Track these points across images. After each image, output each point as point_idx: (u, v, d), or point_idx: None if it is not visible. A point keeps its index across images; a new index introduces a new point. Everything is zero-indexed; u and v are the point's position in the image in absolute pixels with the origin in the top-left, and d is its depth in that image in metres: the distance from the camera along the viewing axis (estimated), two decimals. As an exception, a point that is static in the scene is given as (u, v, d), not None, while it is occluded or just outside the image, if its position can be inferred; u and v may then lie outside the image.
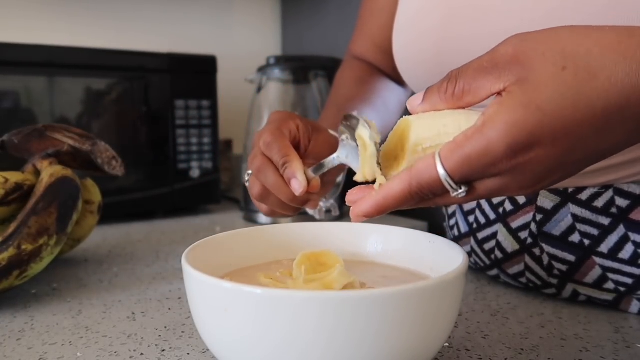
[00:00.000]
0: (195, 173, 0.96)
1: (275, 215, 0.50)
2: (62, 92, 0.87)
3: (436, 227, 0.92)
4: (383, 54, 0.70)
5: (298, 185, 0.43)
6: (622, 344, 0.42)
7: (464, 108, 0.33)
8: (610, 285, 0.48)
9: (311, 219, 0.88)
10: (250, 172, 0.49)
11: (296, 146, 0.48)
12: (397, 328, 0.29)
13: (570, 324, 0.46)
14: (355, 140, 0.38)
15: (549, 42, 0.29)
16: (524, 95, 0.28)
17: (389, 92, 0.70)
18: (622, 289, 0.47)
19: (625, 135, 0.30)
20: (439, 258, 0.39)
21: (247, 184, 0.51)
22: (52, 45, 0.85)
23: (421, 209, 0.99)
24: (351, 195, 0.36)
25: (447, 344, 0.42)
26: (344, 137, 0.39)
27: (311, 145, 0.49)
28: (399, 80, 0.71)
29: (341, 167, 0.46)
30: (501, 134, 0.28)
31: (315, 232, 0.46)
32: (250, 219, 0.92)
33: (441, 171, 0.31)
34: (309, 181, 0.43)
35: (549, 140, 0.29)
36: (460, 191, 0.31)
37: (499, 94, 0.30)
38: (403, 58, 0.59)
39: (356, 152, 0.38)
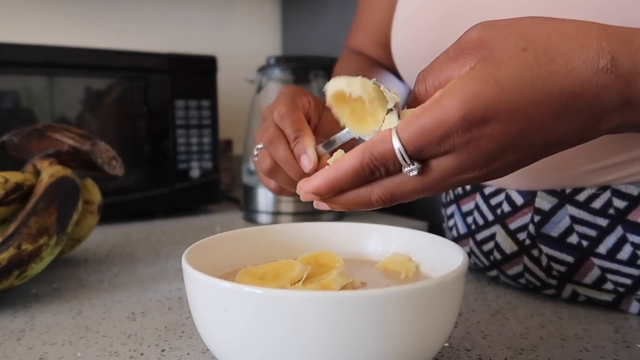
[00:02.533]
0: (195, 173, 0.96)
1: (283, 194, 0.49)
2: (62, 92, 0.87)
3: (436, 227, 0.92)
4: (383, 49, 0.69)
5: (308, 162, 0.41)
6: (622, 344, 0.42)
7: None
8: (609, 285, 0.48)
9: (311, 218, 0.88)
10: (260, 146, 0.48)
11: (307, 122, 0.47)
12: (397, 328, 0.29)
13: (570, 324, 0.46)
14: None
15: (511, 27, 0.30)
16: (484, 69, 0.29)
17: (392, 84, 0.70)
18: (621, 289, 0.47)
19: (578, 126, 0.30)
20: (439, 258, 0.39)
21: (255, 159, 0.49)
22: (52, 45, 0.85)
23: (420, 208, 0.99)
24: (302, 182, 0.35)
25: (447, 344, 0.42)
26: None
27: (321, 122, 0.48)
28: (399, 74, 0.71)
29: (353, 144, 0.46)
30: (457, 104, 0.28)
31: (315, 232, 0.46)
32: (250, 219, 0.92)
33: (396, 143, 0.30)
34: (319, 158, 0.41)
35: (505, 116, 0.28)
36: (412, 167, 0.30)
37: None
38: (401, 55, 0.59)
39: None
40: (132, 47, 1.16)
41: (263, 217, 0.90)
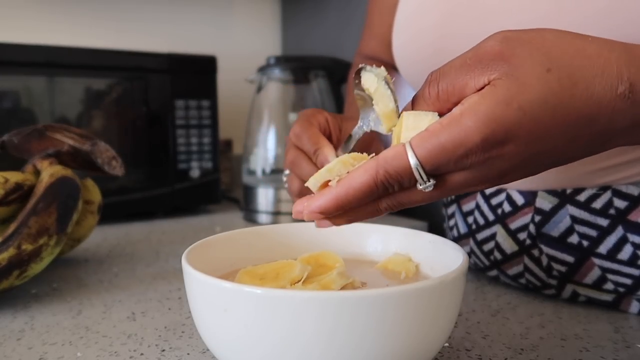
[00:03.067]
0: (195, 173, 0.96)
1: None
2: (62, 92, 0.87)
3: (436, 227, 0.92)
4: None
5: None
6: (622, 344, 0.42)
7: (450, 109, 0.31)
8: (609, 285, 0.48)
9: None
10: (287, 172, 0.48)
11: (327, 138, 0.47)
12: (397, 328, 0.29)
13: (570, 324, 0.46)
14: (371, 99, 0.35)
15: (535, 43, 0.29)
16: (508, 91, 0.28)
17: (408, 90, 0.71)
18: (621, 289, 0.47)
19: (588, 148, 0.31)
20: (439, 258, 0.39)
21: (285, 186, 0.50)
22: (52, 45, 0.85)
23: (420, 208, 0.99)
24: (298, 206, 0.33)
25: (447, 344, 0.42)
26: (359, 100, 0.37)
27: (342, 134, 0.49)
28: None
29: (371, 138, 0.44)
30: (480, 125, 0.28)
31: (315, 232, 0.46)
32: (250, 219, 0.92)
33: (412, 160, 0.29)
34: None
35: (523, 140, 0.29)
36: (428, 184, 0.30)
37: (481, 88, 0.30)
38: (402, 56, 0.59)
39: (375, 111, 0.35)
40: (132, 47, 1.16)
41: (263, 217, 0.90)
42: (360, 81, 0.36)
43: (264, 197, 0.89)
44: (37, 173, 0.58)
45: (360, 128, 0.39)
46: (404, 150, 0.30)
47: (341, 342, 0.29)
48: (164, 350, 0.41)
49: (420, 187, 0.30)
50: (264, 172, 0.92)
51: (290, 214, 0.88)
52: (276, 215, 0.89)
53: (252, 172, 0.93)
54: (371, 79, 0.34)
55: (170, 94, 0.93)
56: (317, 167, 0.43)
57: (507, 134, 0.28)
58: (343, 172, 0.32)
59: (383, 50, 0.72)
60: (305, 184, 0.34)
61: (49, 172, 0.55)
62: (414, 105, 0.33)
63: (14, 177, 0.54)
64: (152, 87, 0.92)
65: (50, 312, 0.49)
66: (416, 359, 0.32)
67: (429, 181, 0.30)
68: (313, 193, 0.46)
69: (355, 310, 0.28)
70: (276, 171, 0.92)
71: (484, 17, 0.47)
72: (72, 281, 0.58)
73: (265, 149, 0.91)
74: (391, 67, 0.72)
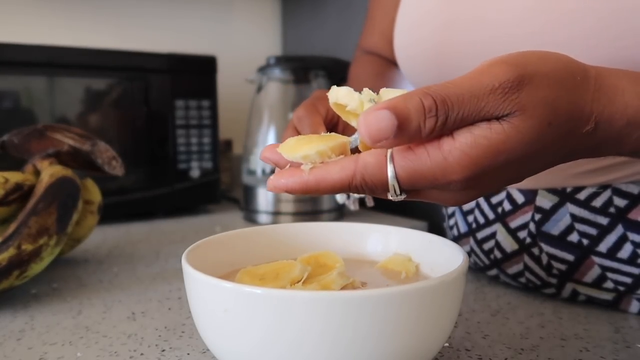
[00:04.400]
0: (195, 173, 0.96)
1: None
2: (62, 92, 0.87)
3: (436, 227, 0.92)
4: None
5: None
6: (622, 344, 0.42)
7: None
8: (609, 284, 0.48)
9: (311, 218, 0.88)
10: None
11: (334, 126, 0.47)
12: (397, 328, 0.29)
13: (570, 324, 0.46)
14: None
15: (549, 87, 0.28)
16: (503, 144, 0.28)
17: (408, 85, 0.71)
18: (621, 288, 0.47)
19: (549, 167, 0.32)
20: (439, 258, 0.39)
21: None
22: (52, 45, 0.85)
23: (421, 209, 0.99)
24: (276, 176, 0.33)
25: (447, 344, 0.42)
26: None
27: (350, 126, 0.50)
28: None
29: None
30: (464, 169, 0.28)
31: (315, 232, 0.46)
32: (250, 219, 0.92)
33: (390, 174, 0.29)
34: None
35: (496, 173, 0.29)
36: (399, 196, 0.30)
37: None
38: (404, 57, 0.59)
39: None
40: (132, 47, 1.16)
41: (263, 217, 0.90)
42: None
43: (264, 197, 0.89)
44: (37, 173, 0.58)
45: (356, 140, 0.39)
46: (385, 162, 0.29)
47: (342, 343, 0.29)
48: (164, 350, 0.41)
49: (391, 198, 0.31)
50: (264, 172, 0.92)
51: (291, 214, 0.88)
52: (276, 215, 0.89)
53: (252, 172, 0.93)
54: (343, 93, 0.34)
55: (170, 94, 0.93)
56: None
57: (485, 173, 0.29)
58: (318, 161, 0.32)
59: (383, 44, 0.72)
60: (277, 149, 0.34)
61: (49, 172, 0.55)
62: (400, 129, 0.27)
63: (14, 177, 0.54)
64: (152, 87, 0.92)
65: (50, 312, 0.49)
66: (417, 358, 0.32)
67: (402, 194, 0.30)
68: None
69: (356, 310, 0.28)
70: (276, 171, 0.92)
71: (483, 26, 0.48)
72: (72, 281, 0.58)
73: (265, 149, 0.91)
74: (392, 63, 0.72)
